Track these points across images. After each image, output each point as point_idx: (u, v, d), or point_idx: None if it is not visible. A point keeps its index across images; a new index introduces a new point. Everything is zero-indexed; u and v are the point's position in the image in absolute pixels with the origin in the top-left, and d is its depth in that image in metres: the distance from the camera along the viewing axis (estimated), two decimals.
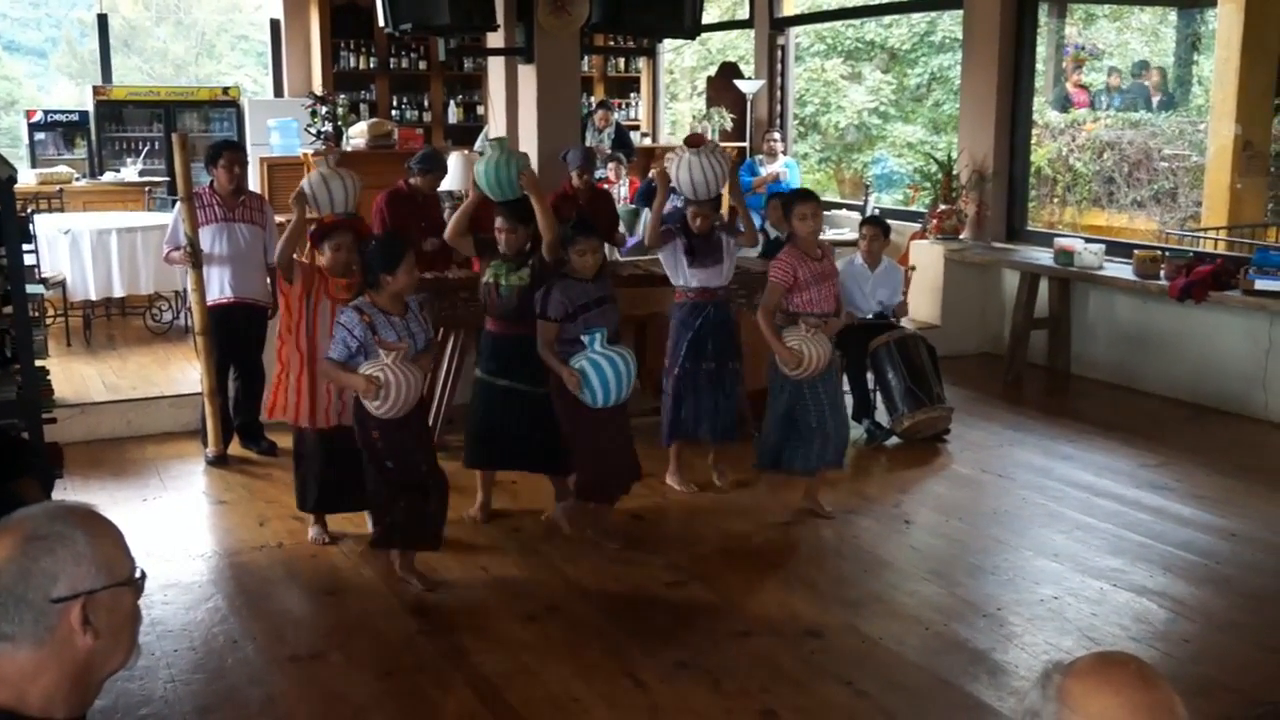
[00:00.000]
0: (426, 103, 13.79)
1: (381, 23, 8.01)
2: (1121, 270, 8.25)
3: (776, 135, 11.39)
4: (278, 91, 14.09)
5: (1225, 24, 9.77)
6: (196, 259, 6.42)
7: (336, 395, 5.24)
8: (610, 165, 10.82)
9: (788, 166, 11.07)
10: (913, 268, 8.45)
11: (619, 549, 5.46)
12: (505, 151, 5.69)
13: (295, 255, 5.41)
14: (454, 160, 8.27)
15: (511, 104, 8.68)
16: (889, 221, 8.02)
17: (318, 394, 5.27)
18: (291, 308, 5.33)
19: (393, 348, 4.69)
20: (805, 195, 5.86)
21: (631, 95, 14.64)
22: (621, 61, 14.55)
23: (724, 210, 6.91)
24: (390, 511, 4.94)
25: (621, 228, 8.60)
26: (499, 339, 5.61)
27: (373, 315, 4.77)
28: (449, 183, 8.12)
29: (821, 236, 10.49)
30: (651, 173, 10.58)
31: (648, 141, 13.99)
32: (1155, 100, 11.44)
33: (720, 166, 6.10)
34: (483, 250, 5.65)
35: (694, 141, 6.20)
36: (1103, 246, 8.54)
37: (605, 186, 9.80)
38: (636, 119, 14.46)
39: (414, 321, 4.90)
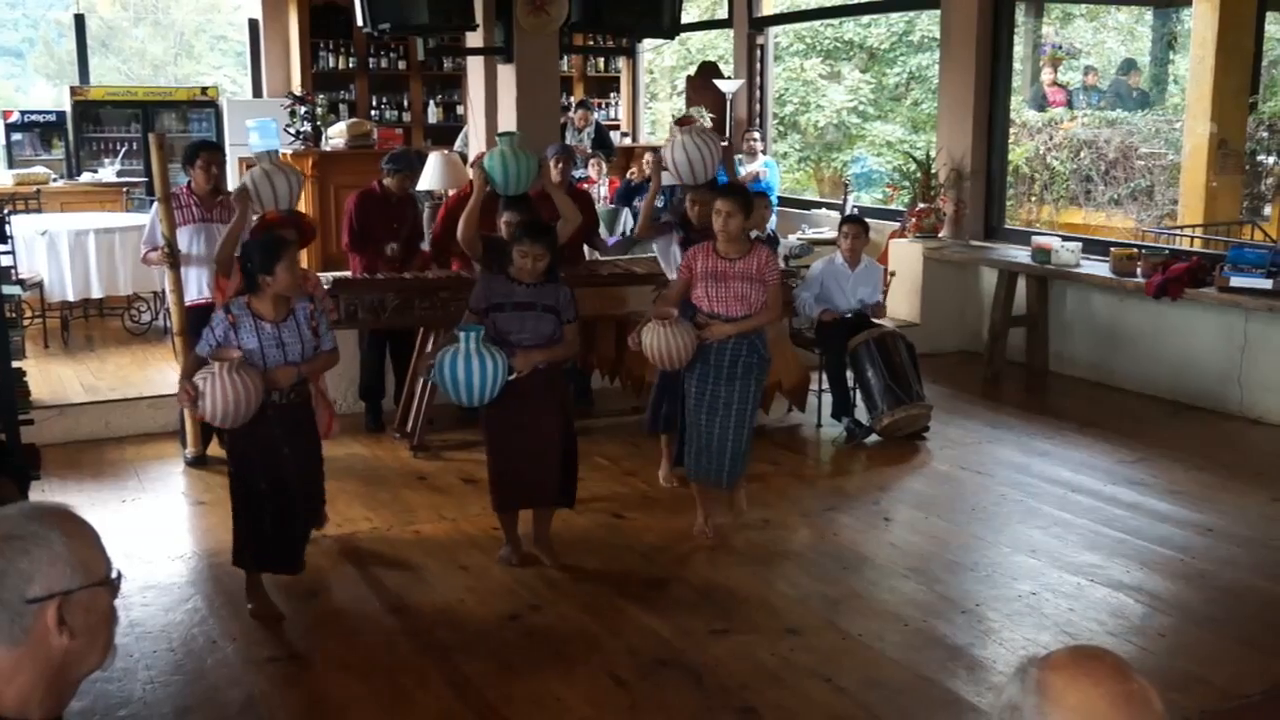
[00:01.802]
0: (406, 102, 13.76)
1: (360, 22, 7.99)
2: (1098, 268, 8.31)
3: (756, 135, 11.42)
4: (256, 92, 14.03)
5: (1200, 24, 9.84)
6: (174, 259, 6.40)
7: None
8: (591, 163, 10.82)
9: (767, 166, 11.10)
10: (892, 273, 8.45)
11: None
12: (515, 145, 5.73)
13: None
14: (434, 160, 8.26)
15: (491, 104, 8.68)
16: (868, 220, 8.04)
17: None
18: None
19: (222, 357, 4.46)
20: (724, 190, 5.54)
21: (611, 95, 14.64)
22: (601, 61, 14.54)
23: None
24: (248, 531, 4.77)
25: (601, 229, 8.61)
26: None
27: (239, 317, 4.58)
28: (429, 182, 8.12)
29: (800, 236, 10.56)
30: (631, 172, 10.59)
31: (628, 141, 14.00)
32: (1131, 99, 11.50)
33: (711, 149, 6.06)
34: (490, 249, 5.62)
35: (683, 122, 6.22)
36: (1080, 244, 8.59)
37: (586, 186, 9.80)
38: (616, 119, 14.46)
39: (290, 330, 4.63)
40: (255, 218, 5.74)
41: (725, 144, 6.46)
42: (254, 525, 4.74)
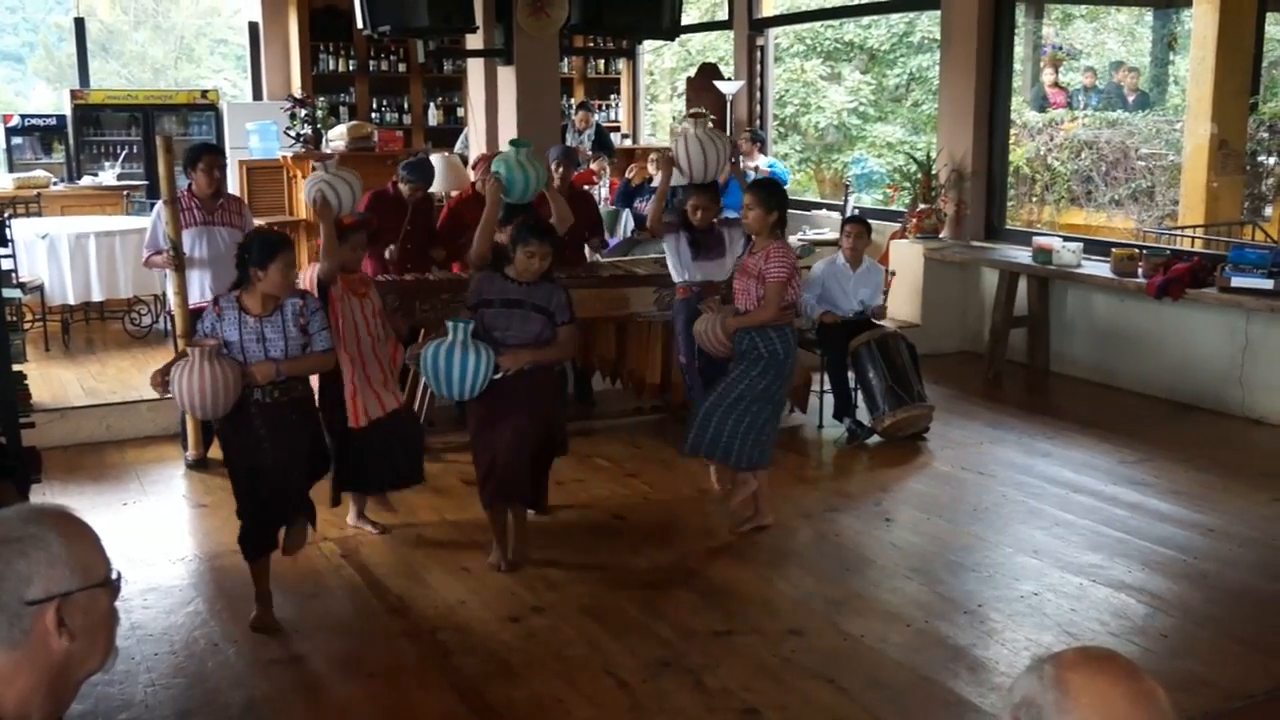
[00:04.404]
0: (406, 105, 13.77)
1: (360, 25, 8.00)
2: (1099, 268, 8.30)
3: (746, 132, 11.46)
4: (256, 95, 14.04)
5: (1201, 24, 9.83)
6: (179, 262, 6.39)
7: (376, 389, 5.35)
8: (595, 164, 10.82)
9: (770, 166, 11.10)
10: (892, 273, 8.46)
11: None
12: (528, 154, 5.81)
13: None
14: (435, 163, 8.26)
15: (491, 106, 8.68)
16: (869, 221, 8.03)
17: (372, 387, 5.35)
18: (336, 311, 5.33)
19: (197, 343, 4.46)
20: (750, 185, 5.80)
21: (611, 96, 14.65)
22: (601, 63, 14.57)
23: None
24: (241, 511, 4.79)
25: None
26: None
27: (224, 309, 4.58)
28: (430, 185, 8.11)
29: (800, 237, 10.57)
30: (630, 172, 10.58)
31: (628, 143, 14.00)
32: (1132, 99, 11.50)
33: (721, 146, 6.05)
34: (498, 258, 5.60)
35: (694, 116, 6.23)
36: (1081, 245, 8.58)
37: (587, 187, 9.79)
38: (617, 120, 14.48)
39: (273, 326, 4.58)
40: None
41: (734, 146, 6.45)
42: (243, 516, 4.75)
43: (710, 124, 6.37)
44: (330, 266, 5.40)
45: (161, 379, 4.49)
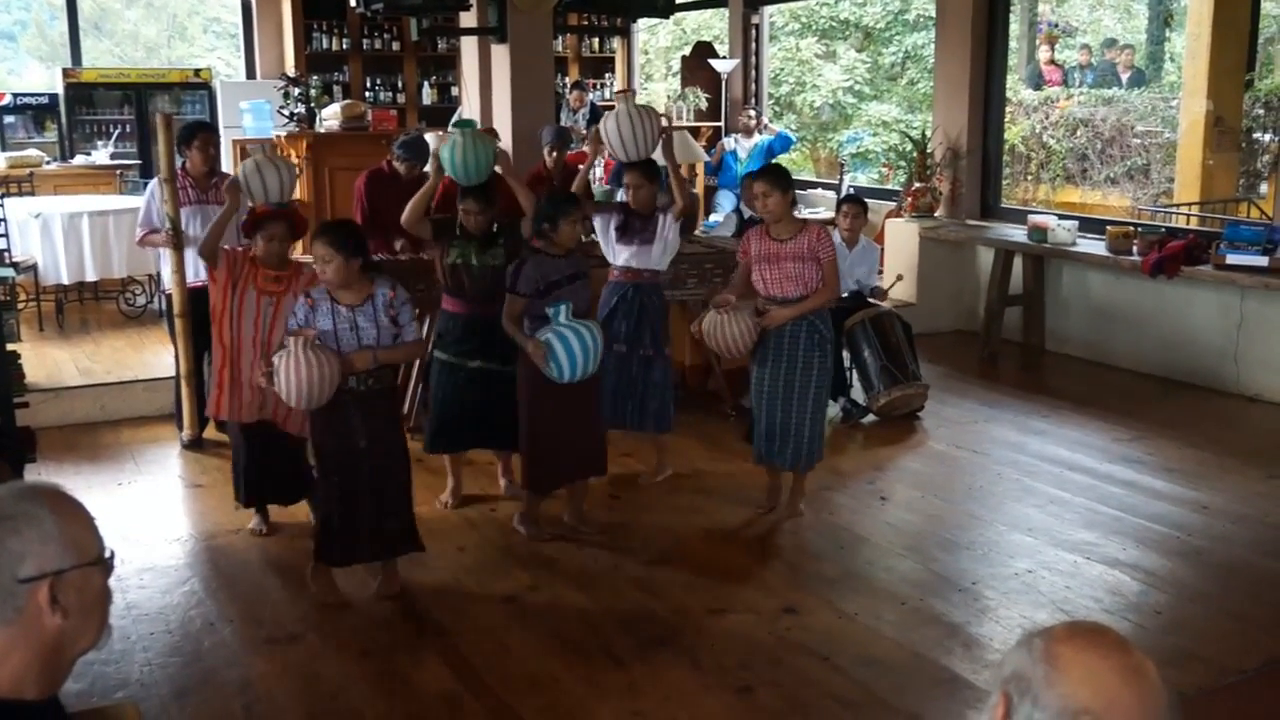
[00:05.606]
0: (400, 84, 13.72)
1: (353, 3, 7.97)
2: (1095, 246, 8.30)
3: (751, 111, 11.40)
4: (250, 73, 13.97)
5: (1196, 1, 9.82)
6: (177, 240, 6.35)
7: (259, 389, 5.02)
8: (589, 144, 10.80)
9: (781, 137, 11.10)
10: (899, 277, 8.21)
11: (595, 534, 5.41)
12: (472, 135, 5.65)
13: (224, 245, 5.36)
14: (430, 142, 8.22)
15: (485, 84, 8.65)
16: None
17: (240, 387, 5.16)
18: (216, 297, 5.21)
19: (296, 334, 4.47)
20: (758, 173, 5.58)
21: (606, 75, 14.59)
22: (596, 41, 14.50)
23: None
24: (322, 523, 4.77)
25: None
26: (469, 320, 5.52)
27: (317, 300, 4.58)
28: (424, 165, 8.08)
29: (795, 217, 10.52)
30: None
31: None
32: (1127, 77, 11.48)
33: (648, 125, 5.94)
34: (439, 232, 5.60)
35: (623, 91, 6.18)
36: (1076, 223, 8.58)
37: (581, 167, 9.76)
38: (611, 99, 14.41)
39: (366, 315, 4.58)
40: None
41: (665, 125, 6.20)
42: (325, 518, 4.73)
43: (648, 103, 6.24)
44: (210, 245, 5.31)
45: (267, 369, 4.46)
